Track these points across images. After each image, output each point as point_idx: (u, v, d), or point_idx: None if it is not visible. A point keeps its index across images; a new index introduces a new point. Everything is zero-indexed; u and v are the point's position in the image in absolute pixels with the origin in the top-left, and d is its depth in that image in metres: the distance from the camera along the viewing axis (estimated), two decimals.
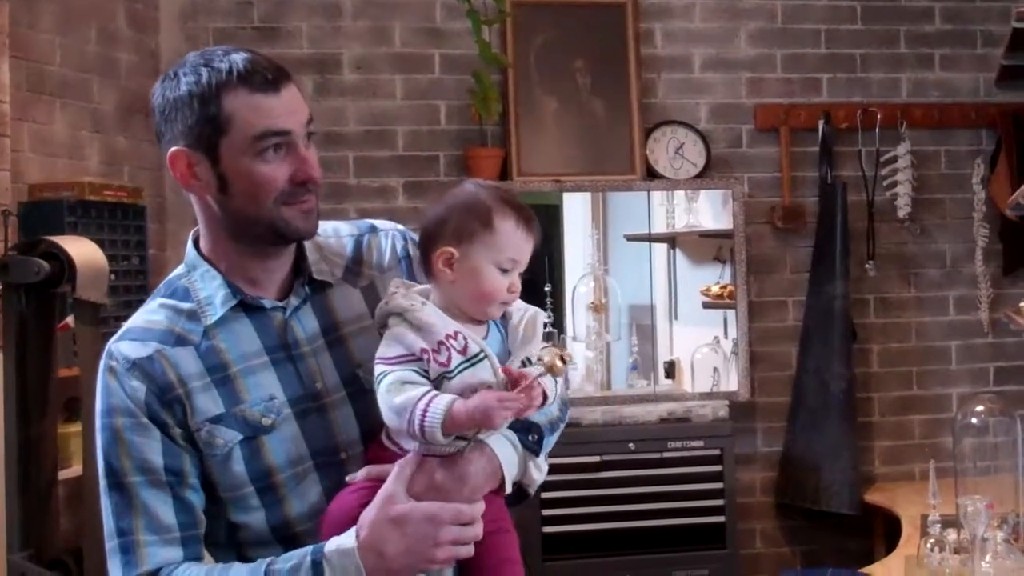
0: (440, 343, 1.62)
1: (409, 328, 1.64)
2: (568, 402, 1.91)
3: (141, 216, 3.84)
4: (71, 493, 3.34)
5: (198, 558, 1.66)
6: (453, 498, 1.61)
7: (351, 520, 1.61)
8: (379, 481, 1.64)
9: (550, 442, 1.80)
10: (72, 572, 2.89)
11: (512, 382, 1.61)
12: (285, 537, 1.68)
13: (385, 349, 1.65)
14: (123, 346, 1.68)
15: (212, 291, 1.70)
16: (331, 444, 1.70)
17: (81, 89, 3.90)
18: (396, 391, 1.60)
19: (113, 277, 3.35)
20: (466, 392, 1.60)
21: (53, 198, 3.51)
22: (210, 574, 1.63)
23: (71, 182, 3.59)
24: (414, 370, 1.62)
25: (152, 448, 1.64)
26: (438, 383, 1.62)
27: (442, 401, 1.58)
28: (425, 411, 1.57)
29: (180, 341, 1.68)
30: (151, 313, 1.72)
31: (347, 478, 1.67)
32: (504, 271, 1.68)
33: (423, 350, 1.62)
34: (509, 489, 1.70)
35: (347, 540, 1.59)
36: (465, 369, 1.62)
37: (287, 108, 1.65)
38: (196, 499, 1.67)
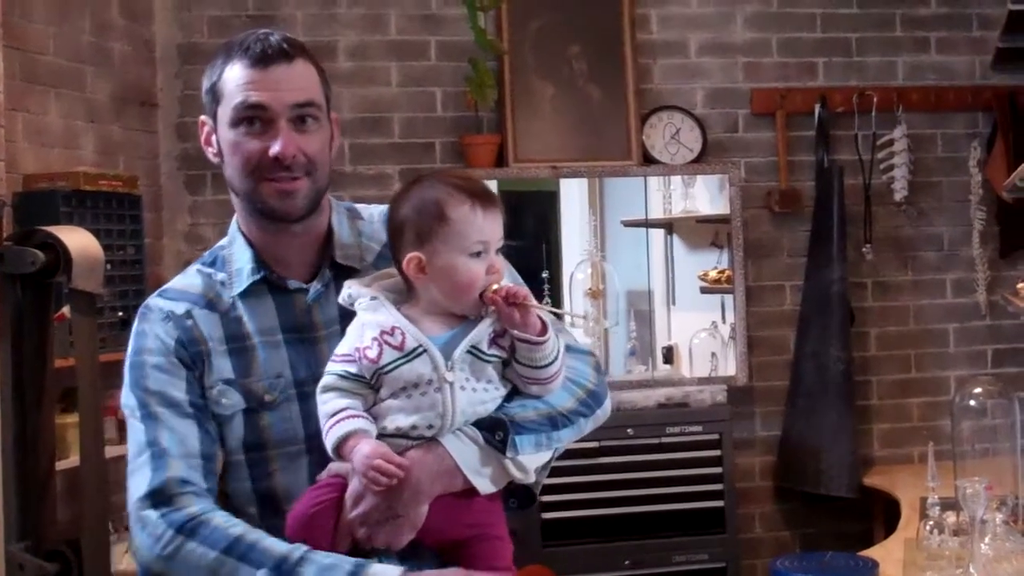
0: (374, 339, 1.62)
1: (355, 325, 1.67)
2: (596, 395, 1.80)
3: (136, 206, 3.84)
4: (68, 484, 3.33)
5: (212, 490, 1.69)
6: (394, 499, 1.59)
7: (306, 520, 1.61)
8: (340, 477, 1.63)
9: (559, 437, 1.70)
10: (70, 563, 2.88)
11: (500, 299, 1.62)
12: (269, 512, 1.70)
13: (339, 345, 1.67)
14: (159, 301, 1.77)
15: (242, 264, 1.76)
16: None
17: (75, 79, 3.88)
18: (320, 399, 1.64)
19: (109, 267, 3.34)
20: (407, 387, 1.61)
21: (48, 188, 3.51)
22: (247, 534, 1.60)
23: (66, 172, 3.58)
24: (342, 373, 1.63)
25: (178, 386, 1.69)
26: (376, 379, 1.62)
27: (343, 428, 1.60)
28: (329, 429, 1.61)
29: (210, 306, 1.75)
30: (189, 277, 1.80)
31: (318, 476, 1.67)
32: (477, 255, 1.65)
33: (356, 348, 1.63)
34: (486, 490, 1.63)
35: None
36: (402, 364, 1.61)
37: (271, 85, 1.68)
38: (215, 433, 1.71)
